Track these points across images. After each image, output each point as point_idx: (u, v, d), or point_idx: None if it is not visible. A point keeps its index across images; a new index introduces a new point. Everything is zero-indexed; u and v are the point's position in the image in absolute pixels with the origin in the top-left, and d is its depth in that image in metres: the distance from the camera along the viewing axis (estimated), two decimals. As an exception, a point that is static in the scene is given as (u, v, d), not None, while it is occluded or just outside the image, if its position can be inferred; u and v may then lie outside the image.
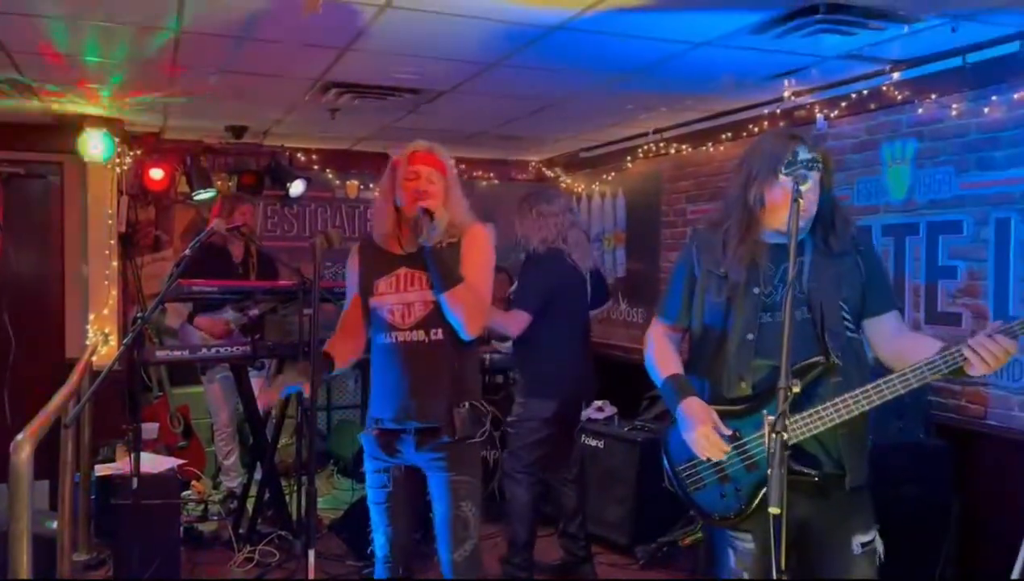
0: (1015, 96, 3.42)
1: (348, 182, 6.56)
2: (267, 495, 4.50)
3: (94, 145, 5.03)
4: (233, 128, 5.57)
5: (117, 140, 5.19)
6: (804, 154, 2.10)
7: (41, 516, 3.56)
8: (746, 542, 2.16)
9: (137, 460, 3.63)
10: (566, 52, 3.62)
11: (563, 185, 6.69)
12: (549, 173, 6.90)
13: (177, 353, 4.12)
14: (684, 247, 2.38)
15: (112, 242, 5.36)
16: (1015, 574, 2.83)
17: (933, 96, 3.74)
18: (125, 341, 3.15)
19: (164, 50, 3.65)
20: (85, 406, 3.50)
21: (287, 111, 4.99)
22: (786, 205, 2.06)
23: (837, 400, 2.05)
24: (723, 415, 2.15)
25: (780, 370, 1.86)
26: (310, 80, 4.20)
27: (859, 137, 4.15)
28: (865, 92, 4.01)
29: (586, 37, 3.40)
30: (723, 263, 2.21)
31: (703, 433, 2.12)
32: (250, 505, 4.51)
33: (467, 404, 2.57)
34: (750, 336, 2.15)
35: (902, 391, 2.01)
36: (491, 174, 6.79)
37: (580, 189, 6.60)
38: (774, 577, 1.84)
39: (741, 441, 2.15)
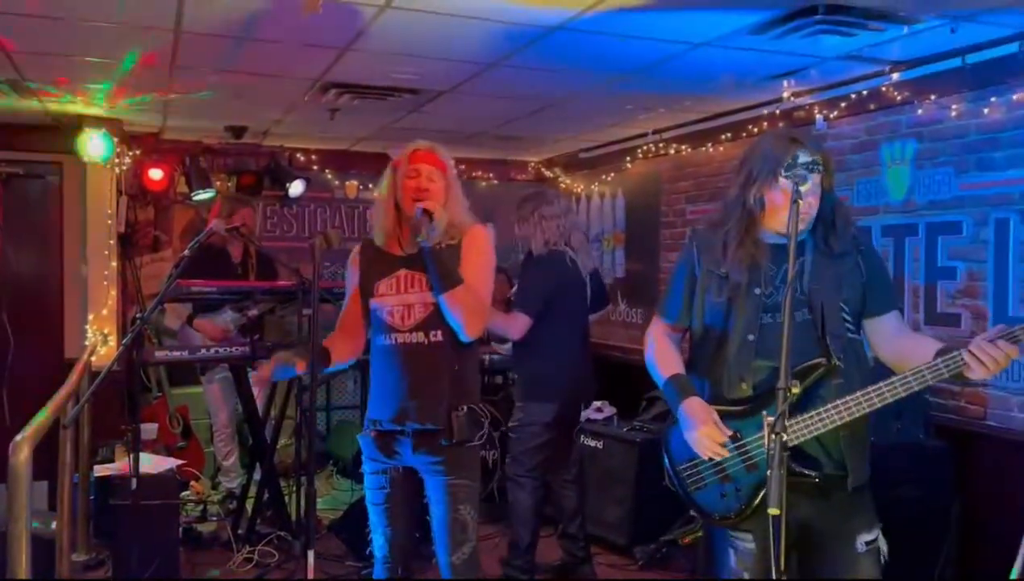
0: (1014, 97, 3.43)
1: (347, 182, 6.56)
2: (266, 495, 4.50)
3: (93, 145, 5.02)
4: (232, 128, 5.57)
5: (116, 140, 5.19)
6: (805, 157, 2.09)
7: (40, 516, 3.56)
8: (747, 542, 2.16)
9: (136, 460, 3.63)
10: (566, 52, 3.62)
11: (562, 185, 6.69)
12: (548, 173, 6.90)
13: (176, 353, 4.12)
14: (684, 247, 2.38)
15: (111, 242, 5.36)
16: (1015, 574, 2.83)
17: (933, 97, 3.74)
18: (124, 341, 3.15)
19: (163, 50, 3.65)
20: (84, 406, 3.50)
21: (286, 111, 4.99)
22: (786, 207, 2.06)
23: (838, 402, 2.05)
24: (724, 416, 2.15)
25: (780, 371, 1.86)
26: (310, 80, 4.20)
27: (858, 138, 4.15)
28: (864, 93, 4.01)
29: (586, 37, 3.40)
30: (723, 264, 2.21)
31: (704, 433, 2.12)
32: (249, 505, 4.51)
33: (466, 407, 2.56)
34: (751, 337, 2.15)
35: (903, 394, 2.01)
36: (490, 174, 6.79)
37: (579, 189, 6.60)
38: (774, 577, 1.84)
39: (742, 442, 2.15)
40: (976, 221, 3.60)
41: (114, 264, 5.38)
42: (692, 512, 2.35)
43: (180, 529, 4.07)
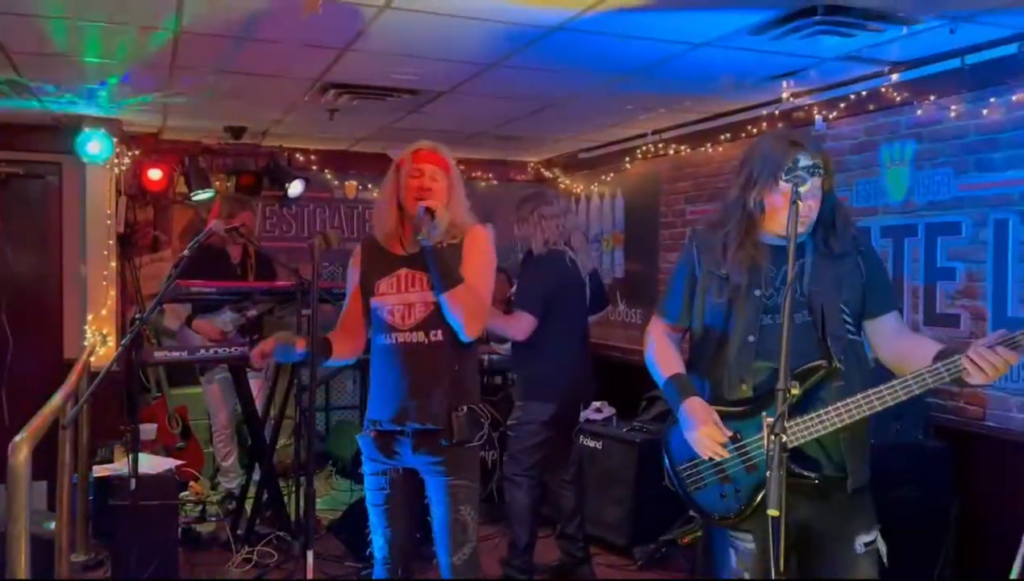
0: (1014, 98, 3.43)
1: (347, 183, 6.56)
2: (265, 496, 4.50)
3: (93, 145, 5.02)
4: (232, 128, 5.57)
5: (116, 140, 5.19)
6: (805, 161, 2.09)
7: (39, 517, 3.55)
8: (747, 542, 2.16)
9: (135, 461, 3.62)
10: (565, 53, 3.62)
11: (562, 186, 6.69)
12: (548, 174, 6.90)
13: (175, 354, 4.12)
14: (684, 247, 2.38)
15: (110, 242, 5.36)
16: (1014, 574, 2.83)
17: (932, 97, 3.74)
18: (123, 342, 3.15)
19: (163, 50, 3.65)
20: (83, 407, 3.50)
21: (286, 111, 4.99)
22: (786, 210, 2.05)
23: (839, 404, 2.05)
24: (724, 416, 2.15)
25: (780, 372, 1.86)
26: (309, 80, 4.20)
27: (858, 138, 4.15)
28: (864, 93, 4.01)
29: (585, 38, 3.40)
30: (724, 265, 2.21)
31: (704, 433, 2.12)
32: (248, 506, 4.50)
33: (466, 407, 2.56)
34: (751, 338, 2.15)
35: (904, 397, 2.02)
36: (490, 175, 6.79)
37: (579, 190, 6.60)
38: (773, 578, 1.84)
39: (741, 443, 2.15)
40: (975, 222, 3.60)
41: (113, 264, 5.38)
42: (692, 512, 2.35)
43: (179, 529, 4.07)
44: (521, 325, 3.76)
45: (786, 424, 1.97)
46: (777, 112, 4.50)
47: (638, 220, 5.95)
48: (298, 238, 6.40)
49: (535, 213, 3.91)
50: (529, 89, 4.35)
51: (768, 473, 1.80)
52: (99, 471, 4.07)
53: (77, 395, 3.42)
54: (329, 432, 6.35)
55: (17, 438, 2.10)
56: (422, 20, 3.19)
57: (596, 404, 4.83)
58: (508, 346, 4.38)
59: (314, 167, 6.40)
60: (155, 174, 5.78)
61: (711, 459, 2.16)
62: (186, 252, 3.13)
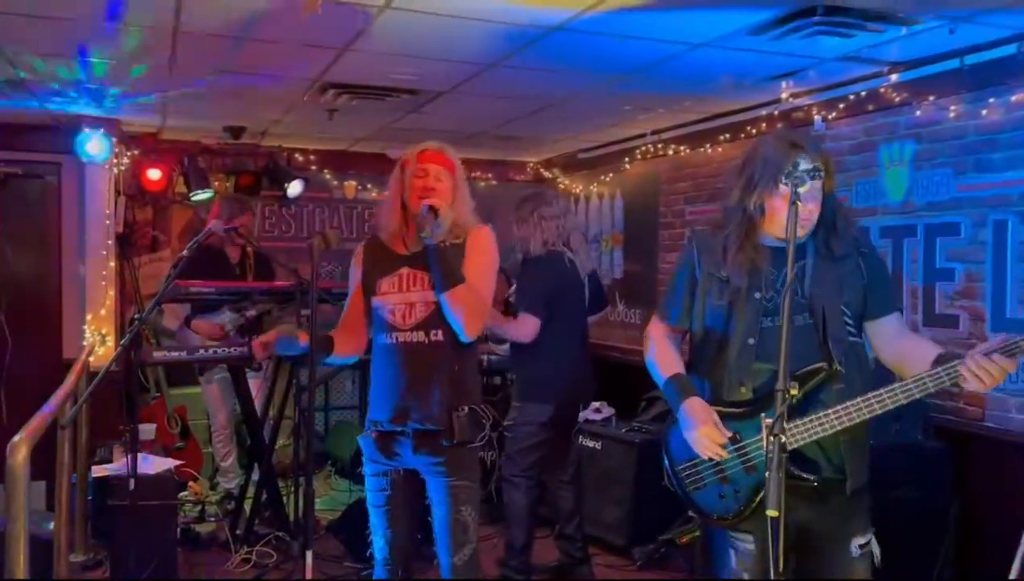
0: (1013, 98, 3.43)
1: (346, 183, 6.56)
2: (264, 496, 4.50)
3: (92, 145, 5.02)
4: (231, 128, 5.57)
5: (115, 140, 5.19)
6: (806, 164, 2.08)
7: (38, 517, 3.55)
8: (747, 543, 2.16)
9: (134, 461, 3.62)
10: (565, 53, 3.62)
11: (561, 186, 6.69)
12: (547, 174, 6.90)
13: (175, 354, 4.11)
14: (684, 248, 2.38)
15: (109, 242, 5.35)
16: (1013, 574, 2.83)
17: (931, 98, 3.75)
18: (122, 342, 3.15)
19: (163, 50, 3.65)
20: (82, 407, 3.50)
21: (285, 111, 4.99)
22: (786, 212, 2.05)
23: (839, 407, 2.05)
24: (724, 417, 2.15)
25: (779, 373, 1.86)
26: (309, 80, 4.20)
27: (857, 139, 4.15)
28: (863, 94, 4.01)
29: (585, 38, 3.40)
30: (724, 267, 2.21)
31: (704, 433, 2.12)
32: (247, 506, 4.50)
33: (466, 408, 2.55)
34: (751, 341, 2.15)
35: (904, 401, 2.02)
36: (489, 175, 6.79)
37: (578, 190, 6.60)
38: (772, 579, 1.84)
39: (741, 443, 2.15)
40: (974, 222, 3.60)
41: (112, 264, 5.37)
42: (691, 512, 2.35)
43: (178, 530, 4.06)
44: (526, 328, 3.77)
45: (786, 426, 1.97)
46: (776, 112, 4.50)
47: (637, 220, 5.95)
48: (297, 238, 6.40)
49: (535, 214, 3.91)
50: (529, 89, 4.35)
51: (767, 474, 1.80)
52: (98, 471, 4.07)
53: (76, 395, 3.42)
54: (328, 432, 6.34)
55: (16, 438, 2.10)
56: (422, 20, 3.19)
57: (595, 404, 4.83)
58: (507, 346, 4.38)
59: (313, 167, 6.40)
60: (154, 174, 5.78)
61: (710, 459, 2.16)
62: (185, 252, 3.13)
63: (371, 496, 2.67)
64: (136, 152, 5.74)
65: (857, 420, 2.04)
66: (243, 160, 6.18)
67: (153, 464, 4.01)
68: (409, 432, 2.56)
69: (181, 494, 4.73)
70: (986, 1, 2.98)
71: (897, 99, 3.87)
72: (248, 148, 6.10)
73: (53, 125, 5.21)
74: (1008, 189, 3.47)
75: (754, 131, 4.65)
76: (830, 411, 2.06)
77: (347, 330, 2.70)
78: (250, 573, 4.07)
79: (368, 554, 2.74)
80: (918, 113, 3.82)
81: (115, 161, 5.36)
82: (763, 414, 2.01)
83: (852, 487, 2.15)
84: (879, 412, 2.03)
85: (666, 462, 2.30)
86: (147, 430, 5.07)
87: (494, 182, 6.79)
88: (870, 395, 2.03)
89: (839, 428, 2.06)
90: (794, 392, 1.89)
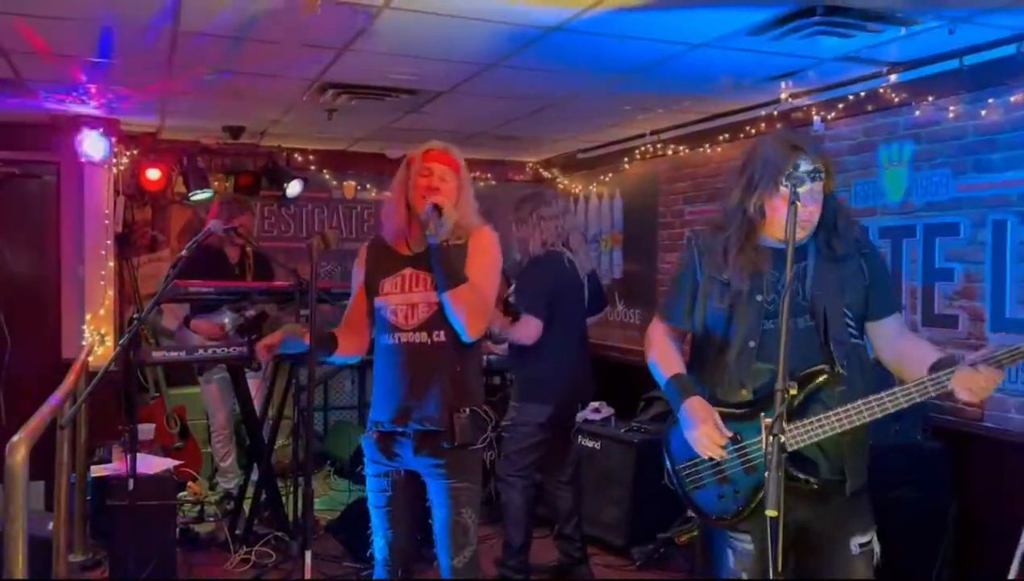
0: (1012, 98, 3.43)
1: (345, 183, 6.56)
2: (264, 496, 4.50)
3: (91, 145, 5.02)
4: (230, 128, 5.56)
5: (114, 140, 5.18)
6: (806, 166, 2.08)
7: (37, 517, 3.55)
8: (745, 543, 2.16)
9: (133, 461, 3.62)
10: (564, 53, 3.62)
11: (560, 186, 6.69)
12: (546, 174, 6.90)
13: (174, 354, 4.11)
14: (685, 249, 2.38)
15: (108, 242, 5.35)
16: (1012, 574, 2.83)
17: (930, 98, 3.75)
18: (121, 342, 3.15)
19: (162, 50, 3.64)
20: (81, 407, 3.50)
21: (285, 111, 4.99)
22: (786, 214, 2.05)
23: (839, 410, 2.05)
24: (725, 417, 2.15)
25: (778, 373, 1.86)
26: (308, 80, 4.20)
27: (856, 139, 4.15)
28: (862, 94, 4.01)
29: (584, 38, 3.40)
30: (725, 270, 2.21)
31: (705, 432, 2.12)
32: (247, 506, 4.50)
33: (468, 409, 2.54)
34: (752, 343, 2.15)
35: (905, 404, 2.03)
36: (488, 175, 6.79)
37: (577, 190, 6.60)
38: (771, 578, 1.84)
39: (741, 444, 2.15)
40: (974, 222, 3.60)
41: (111, 264, 5.37)
42: (690, 512, 2.36)
43: (177, 530, 4.06)
44: (528, 330, 3.76)
45: (787, 428, 1.97)
46: (776, 113, 4.50)
47: (636, 220, 5.95)
48: (296, 238, 6.40)
49: (534, 214, 3.91)
50: (528, 89, 4.35)
51: (766, 474, 1.80)
52: (97, 471, 4.07)
53: (75, 395, 3.41)
54: (327, 432, 6.34)
55: (15, 438, 2.10)
56: (421, 20, 3.19)
57: (594, 404, 4.83)
58: (506, 346, 4.38)
59: (312, 167, 6.40)
60: (153, 174, 5.77)
61: (711, 459, 2.16)
62: (184, 252, 3.13)
63: (372, 496, 2.67)
64: (135, 152, 5.74)
65: (858, 423, 2.05)
66: (242, 160, 6.18)
67: (152, 464, 4.00)
68: (410, 433, 2.55)
69: (180, 494, 4.72)
70: (985, 1, 2.98)
71: (896, 99, 3.87)
72: (247, 148, 6.10)
73: (52, 124, 5.21)
74: (1007, 189, 3.47)
75: (753, 131, 4.65)
76: (831, 413, 2.06)
77: (350, 330, 2.69)
78: (249, 573, 4.07)
79: (368, 554, 2.74)
80: (917, 113, 3.82)
81: (114, 161, 5.36)
82: (763, 414, 2.01)
83: (852, 488, 2.15)
84: (879, 416, 2.04)
85: (667, 461, 2.30)
86: (146, 430, 5.07)
87: (493, 182, 6.79)
88: (871, 398, 2.03)
89: (840, 431, 2.06)
90: (793, 392, 1.89)
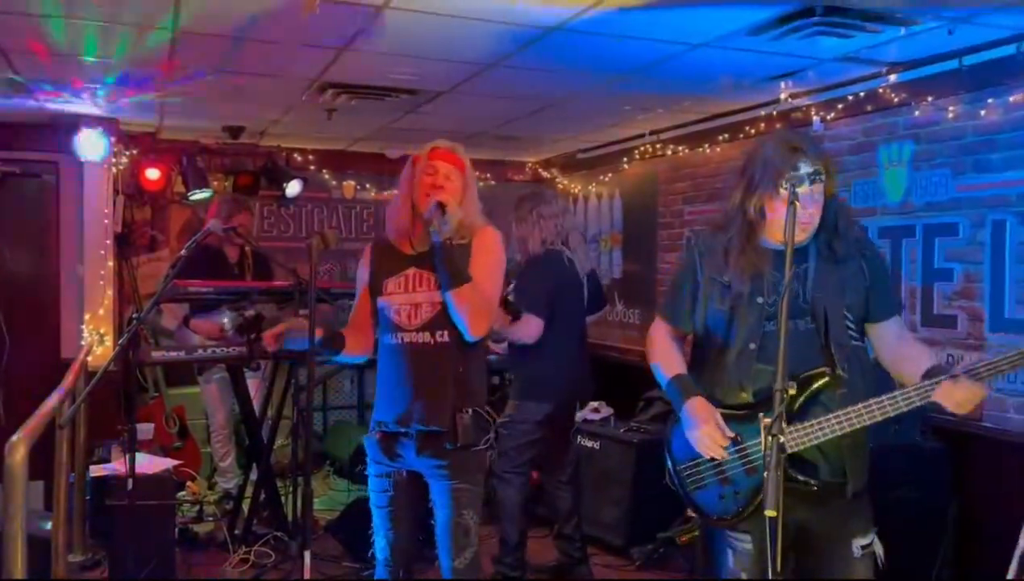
0: (1011, 99, 3.43)
1: (344, 182, 6.56)
2: (263, 496, 4.49)
3: (90, 145, 5.02)
4: (230, 128, 5.56)
5: (113, 140, 5.18)
6: (806, 168, 2.08)
7: (36, 517, 3.55)
8: (745, 543, 2.16)
9: (132, 461, 3.61)
10: (564, 53, 3.62)
11: (560, 186, 6.69)
12: (546, 174, 6.90)
13: (173, 354, 4.11)
14: (687, 250, 2.38)
15: (108, 242, 5.35)
16: (1011, 574, 2.83)
17: (930, 98, 3.75)
18: (121, 341, 3.15)
19: (161, 50, 3.64)
20: (80, 407, 3.49)
21: (284, 111, 4.99)
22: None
23: (840, 413, 2.06)
24: (726, 418, 2.15)
25: (777, 373, 1.86)
26: (307, 80, 4.19)
27: (856, 139, 4.15)
28: (862, 94, 4.02)
29: (584, 38, 3.40)
30: (726, 272, 2.21)
31: (706, 432, 2.12)
32: (246, 506, 4.50)
33: (471, 410, 2.53)
34: (752, 345, 2.15)
35: (904, 408, 2.03)
36: (487, 175, 6.78)
37: (577, 190, 6.60)
38: (771, 579, 1.84)
39: (742, 445, 2.15)
40: (973, 223, 3.61)
41: (111, 264, 5.37)
42: (691, 512, 2.36)
43: (176, 529, 4.06)
44: (530, 329, 3.76)
45: (788, 430, 1.97)
46: (775, 113, 4.50)
47: (636, 220, 5.95)
48: (296, 238, 6.40)
49: (533, 212, 3.91)
50: (528, 89, 4.35)
51: (765, 475, 1.80)
52: (96, 471, 4.06)
53: (74, 395, 3.41)
54: (327, 432, 6.33)
55: (14, 438, 2.10)
56: (421, 20, 3.19)
57: (594, 404, 4.83)
58: (505, 345, 4.38)
59: (312, 167, 6.40)
60: (153, 173, 5.77)
61: (712, 459, 2.16)
62: (184, 252, 3.13)
63: (374, 497, 2.67)
64: (134, 151, 5.73)
65: (858, 426, 2.05)
66: (242, 160, 6.17)
67: (151, 464, 4.00)
68: (413, 433, 2.55)
69: (179, 494, 4.72)
70: (985, 2, 2.98)
71: (896, 100, 3.87)
72: (247, 148, 6.09)
73: (51, 124, 5.21)
74: (1007, 189, 3.47)
75: (753, 131, 4.65)
76: (830, 416, 2.06)
77: (356, 330, 2.69)
78: (248, 573, 4.07)
79: (369, 554, 2.73)
80: (917, 113, 3.82)
81: (113, 160, 5.35)
82: (762, 415, 2.01)
83: (853, 490, 2.15)
84: (879, 419, 2.04)
85: (668, 461, 2.30)
86: (145, 430, 5.06)
87: (493, 182, 6.79)
88: (871, 402, 2.04)
89: (840, 433, 2.06)
90: (792, 392, 1.89)
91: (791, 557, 2.10)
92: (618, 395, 5.05)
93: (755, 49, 3.52)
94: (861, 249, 2.21)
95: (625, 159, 5.87)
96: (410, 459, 2.59)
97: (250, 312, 4.16)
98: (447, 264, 2.48)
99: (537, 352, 3.80)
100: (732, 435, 2.13)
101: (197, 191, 5.78)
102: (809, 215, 2.10)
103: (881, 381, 2.16)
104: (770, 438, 1.80)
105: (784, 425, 1.86)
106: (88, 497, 4.03)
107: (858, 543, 2.17)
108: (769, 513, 1.76)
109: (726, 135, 4.94)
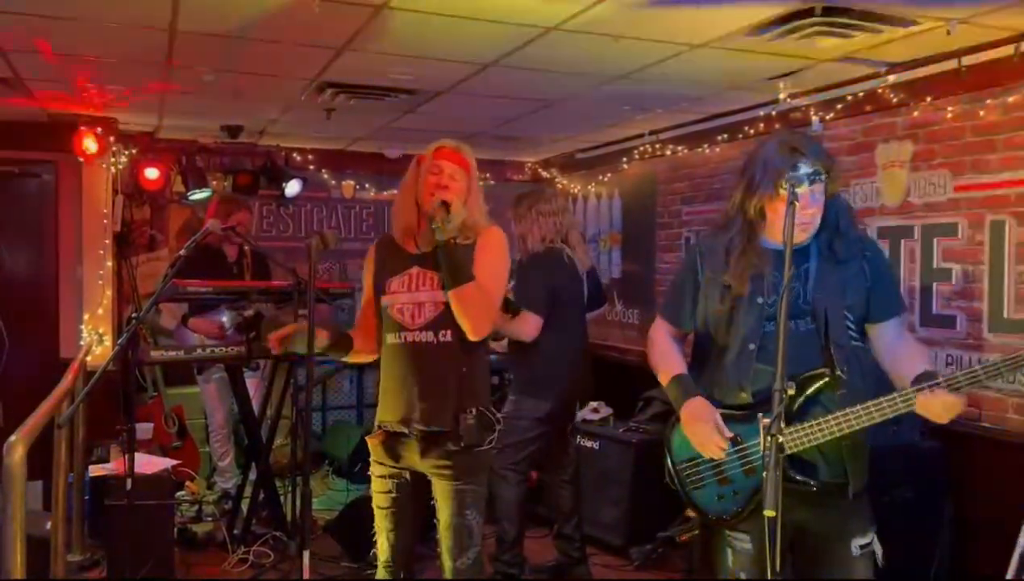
0: (1010, 99, 3.43)
1: (344, 182, 6.56)
2: (262, 496, 4.49)
3: (89, 144, 5.01)
4: (229, 128, 5.56)
5: (112, 139, 5.18)
6: (806, 168, 2.09)
7: (35, 517, 3.54)
8: (744, 543, 2.17)
9: (131, 460, 3.61)
10: (563, 53, 3.62)
11: (559, 186, 6.69)
12: (545, 174, 6.90)
13: (172, 353, 4.11)
14: (688, 251, 2.39)
15: (107, 241, 5.35)
16: (1010, 574, 2.84)
17: (928, 99, 3.75)
18: (120, 341, 3.15)
19: (160, 49, 3.64)
20: (79, 406, 3.48)
21: (283, 111, 4.99)
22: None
23: (839, 414, 2.06)
24: (725, 418, 2.16)
25: (777, 373, 1.86)
26: (306, 80, 4.19)
27: (855, 139, 4.15)
28: (861, 94, 4.02)
29: (583, 38, 3.40)
30: (726, 272, 2.21)
31: (706, 432, 2.12)
32: (245, 506, 4.50)
33: (474, 410, 2.52)
34: (752, 346, 2.16)
35: (904, 409, 2.03)
36: (487, 175, 6.77)
37: (576, 190, 6.60)
38: (770, 578, 1.85)
39: (741, 445, 2.15)
40: (972, 223, 3.61)
41: (110, 263, 5.37)
42: (690, 511, 2.36)
43: (175, 529, 4.06)
44: (529, 326, 3.76)
45: (787, 430, 1.97)
46: (774, 113, 4.50)
47: (635, 220, 5.95)
48: (295, 238, 6.40)
49: (533, 210, 3.91)
50: (527, 89, 4.35)
51: (764, 474, 1.80)
52: (95, 471, 4.06)
53: (73, 394, 3.41)
54: (325, 432, 6.33)
55: (13, 437, 2.10)
56: (420, 20, 3.19)
57: (593, 404, 4.83)
58: (504, 343, 4.38)
59: (311, 166, 6.39)
60: (152, 173, 5.76)
61: (711, 459, 2.16)
62: (183, 251, 3.12)
63: (376, 498, 2.66)
64: (133, 151, 5.73)
65: (857, 427, 2.05)
66: (241, 159, 6.17)
67: (150, 464, 4.00)
68: (416, 434, 2.54)
69: (178, 494, 4.72)
70: (984, 2, 2.98)
71: (895, 100, 3.87)
72: (246, 147, 6.09)
73: (50, 123, 5.20)
74: (1005, 190, 3.47)
75: (752, 132, 4.65)
76: (830, 417, 2.06)
77: (362, 330, 2.70)
78: (247, 573, 4.07)
79: (371, 554, 2.73)
80: (916, 114, 3.82)
81: (112, 160, 5.35)
82: (761, 415, 2.01)
83: (854, 491, 2.15)
84: (878, 420, 2.04)
85: (667, 460, 2.30)
86: (144, 430, 5.06)
87: (492, 182, 6.78)
88: (870, 403, 2.04)
89: (839, 434, 2.06)
90: (791, 392, 1.89)
91: (789, 557, 2.11)
92: (617, 395, 5.05)
93: (754, 49, 3.52)
94: (863, 250, 2.21)
95: (624, 159, 5.87)
96: (413, 460, 2.58)
97: (249, 312, 4.16)
98: (450, 263, 2.48)
99: (537, 349, 3.80)
100: (731, 435, 2.13)
101: (196, 191, 5.78)
102: (809, 215, 2.10)
103: (882, 382, 2.15)
104: (769, 438, 1.80)
105: (783, 425, 1.86)
106: (87, 497, 4.03)
107: (857, 543, 2.17)
108: (768, 513, 1.76)
109: (725, 135, 4.94)
